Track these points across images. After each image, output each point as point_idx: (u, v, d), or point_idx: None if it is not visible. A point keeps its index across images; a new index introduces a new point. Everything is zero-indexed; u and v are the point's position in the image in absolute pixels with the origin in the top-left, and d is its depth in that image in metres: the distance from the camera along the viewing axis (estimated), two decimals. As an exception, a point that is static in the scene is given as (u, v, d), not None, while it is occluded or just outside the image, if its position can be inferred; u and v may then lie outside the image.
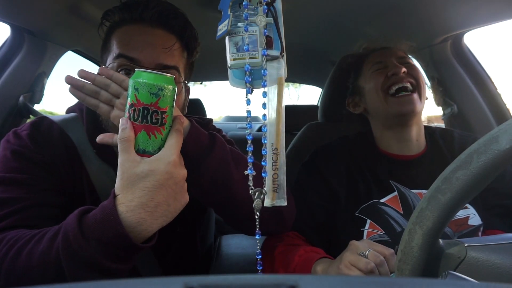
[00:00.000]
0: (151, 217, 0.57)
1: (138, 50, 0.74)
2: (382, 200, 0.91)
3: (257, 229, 0.56)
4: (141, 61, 0.74)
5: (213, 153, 0.70)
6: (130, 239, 0.55)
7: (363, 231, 0.89)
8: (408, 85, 0.93)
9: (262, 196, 0.55)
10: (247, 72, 0.53)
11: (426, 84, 1.05)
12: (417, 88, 0.94)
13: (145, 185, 0.57)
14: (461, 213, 0.88)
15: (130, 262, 0.60)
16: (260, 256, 0.57)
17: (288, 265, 0.81)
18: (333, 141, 1.07)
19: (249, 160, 0.55)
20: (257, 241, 0.57)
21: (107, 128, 0.76)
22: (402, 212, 0.89)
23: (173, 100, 0.60)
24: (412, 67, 0.98)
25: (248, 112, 0.55)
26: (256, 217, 0.55)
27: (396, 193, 0.91)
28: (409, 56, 1.03)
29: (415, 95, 0.93)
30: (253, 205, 0.55)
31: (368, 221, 0.89)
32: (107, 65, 0.77)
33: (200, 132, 0.70)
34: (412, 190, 0.92)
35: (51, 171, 0.74)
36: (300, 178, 1.02)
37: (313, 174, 1.00)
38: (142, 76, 0.58)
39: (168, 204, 0.58)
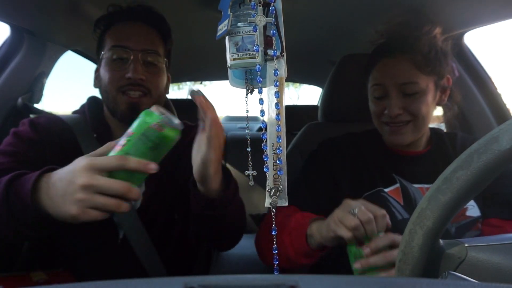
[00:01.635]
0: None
1: (128, 39, 0.91)
2: (385, 190, 0.93)
3: (273, 225, 0.57)
4: (130, 46, 0.91)
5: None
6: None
7: None
8: (403, 123, 0.91)
9: (278, 194, 0.55)
10: (258, 73, 0.53)
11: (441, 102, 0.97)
12: (414, 120, 0.90)
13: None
14: None
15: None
16: (276, 251, 0.57)
17: (283, 229, 0.84)
18: (341, 135, 1.08)
19: (265, 159, 0.56)
20: (274, 236, 0.57)
21: (113, 106, 0.92)
22: (402, 204, 0.91)
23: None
24: (412, 100, 0.89)
25: (262, 111, 0.55)
26: (272, 213, 0.56)
27: (398, 185, 0.93)
28: (423, 67, 0.89)
29: (408, 126, 0.90)
30: (270, 203, 0.55)
31: None
32: (102, 54, 0.94)
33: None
34: (414, 185, 0.93)
35: (41, 151, 0.87)
36: (305, 166, 1.04)
37: (318, 164, 1.02)
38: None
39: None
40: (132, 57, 0.90)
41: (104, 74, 0.92)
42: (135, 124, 0.63)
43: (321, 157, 1.02)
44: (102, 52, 0.94)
